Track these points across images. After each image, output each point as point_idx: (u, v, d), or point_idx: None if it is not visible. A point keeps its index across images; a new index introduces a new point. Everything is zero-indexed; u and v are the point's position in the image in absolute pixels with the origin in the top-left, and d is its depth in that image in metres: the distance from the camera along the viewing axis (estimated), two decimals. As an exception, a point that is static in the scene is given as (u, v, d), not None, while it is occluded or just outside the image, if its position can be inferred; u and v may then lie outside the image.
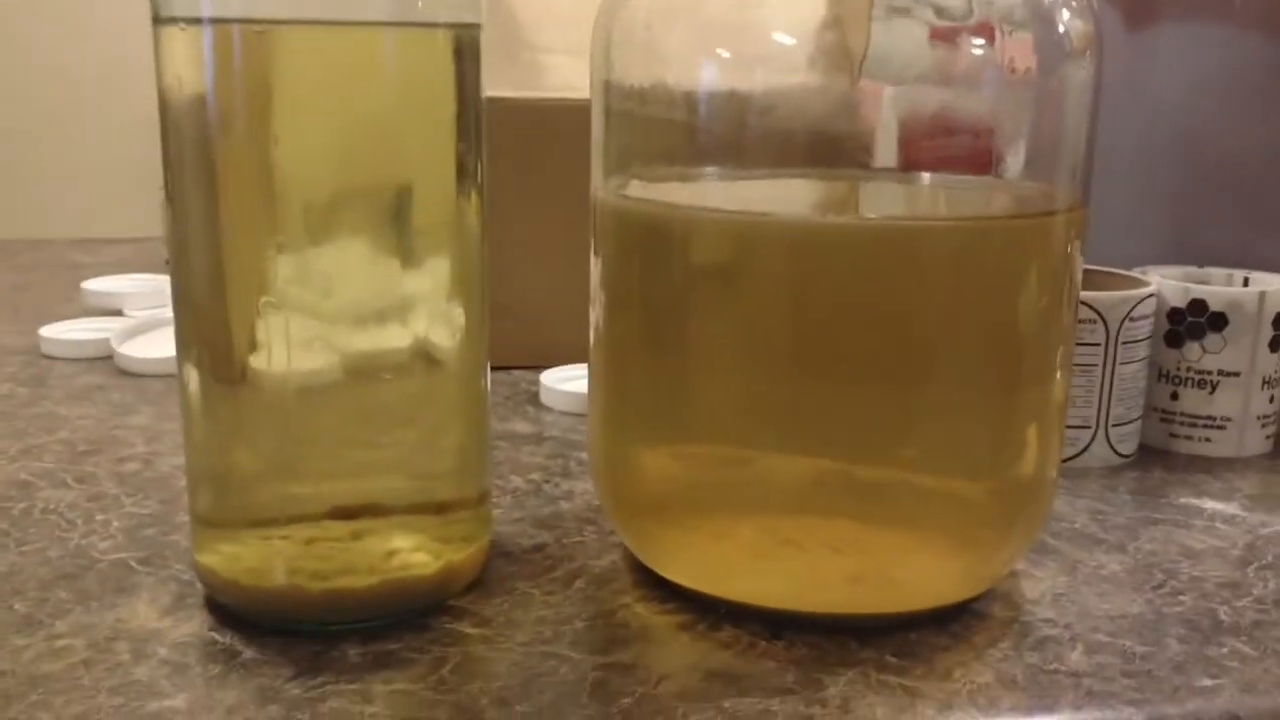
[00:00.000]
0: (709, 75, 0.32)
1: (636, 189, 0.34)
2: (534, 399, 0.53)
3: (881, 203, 0.36)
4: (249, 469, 0.31)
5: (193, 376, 0.31)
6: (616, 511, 0.36)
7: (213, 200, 0.30)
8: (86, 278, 0.72)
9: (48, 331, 0.60)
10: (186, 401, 0.32)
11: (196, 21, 0.28)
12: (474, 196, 0.32)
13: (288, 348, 0.30)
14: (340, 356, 0.30)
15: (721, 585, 0.33)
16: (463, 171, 0.32)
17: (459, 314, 0.32)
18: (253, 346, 0.30)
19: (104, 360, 0.59)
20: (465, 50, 0.31)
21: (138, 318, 0.62)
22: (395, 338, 0.31)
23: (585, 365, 0.56)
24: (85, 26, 0.98)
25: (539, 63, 0.60)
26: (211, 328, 0.31)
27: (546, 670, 0.30)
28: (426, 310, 0.31)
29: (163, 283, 0.71)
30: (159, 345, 0.59)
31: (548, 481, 0.43)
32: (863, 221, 0.35)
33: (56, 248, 0.90)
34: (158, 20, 0.30)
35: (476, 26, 0.31)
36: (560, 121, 0.56)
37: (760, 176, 0.33)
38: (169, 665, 0.30)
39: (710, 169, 0.33)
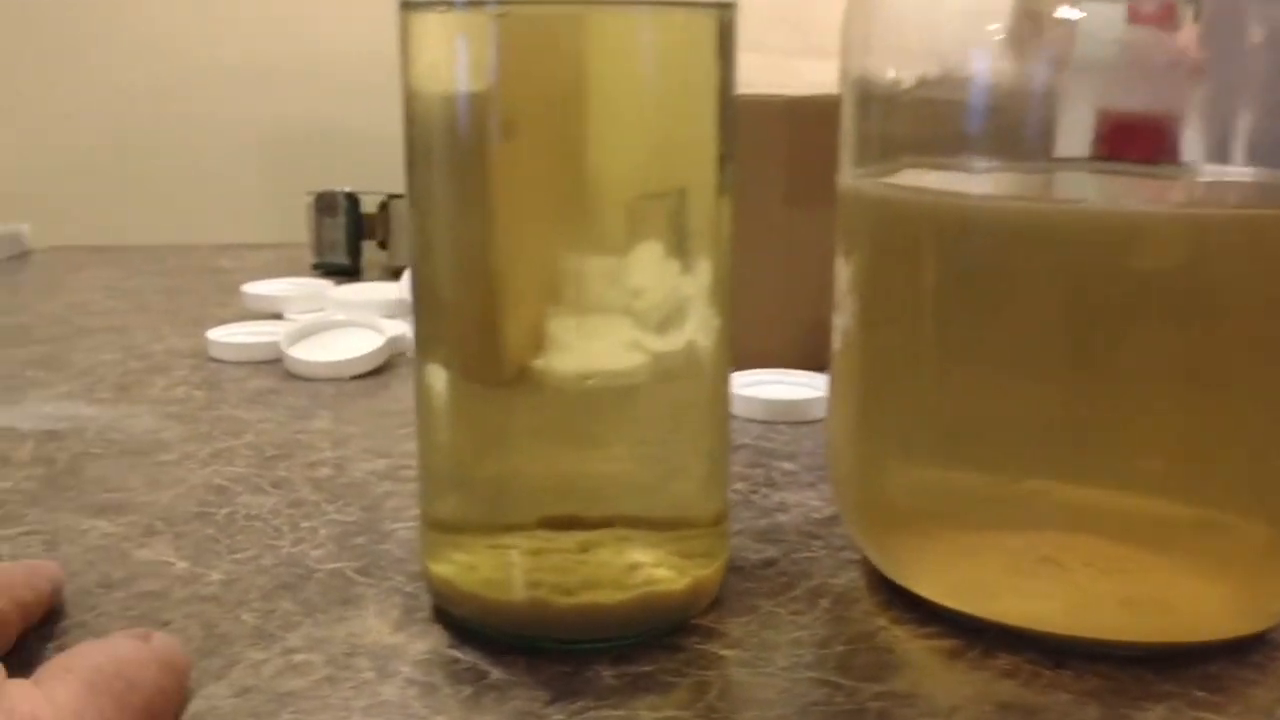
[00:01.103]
0: (983, 61, 0.30)
1: (909, 179, 0.31)
2: (714, 405, 0.52)
3: (1170, 196, 0.33)
4: (501, 473, 0.29)
5: (440, 378, 0.30)
6: (864, 525, 0.33)
7: (487, 197, 0.28)
8: (238, 282, 0.72)
9: (214, 335, 0.60)
10: (430, 403, 0.30)
11: (476, 4, 0.27)
12: (730, 194, 0.30)
13: (580, 350, 0.28)
14: (644, 358, 0.28)
15: (982, 604, 0.31)
16: (723, 166, 0.30)
17: (716, 318, 0.30)
18: (534, 348, 0.28)
19: (271, 364, 0.58)
20: (726, 34, 0.29)
21: (300, 321, 0.61)
22: (673, 342, 0.29)
23: (773, 370, 0.55)
24: (230, 31, 0.99)
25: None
26: (474, 329, 0.29)
27: (820, 698, 0.28)
28: (695, 314, 0.29)
29: (320, 286, 0.70)
30: (326, 348, 0.58)
31: (755, 492, 0.41)
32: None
33: (201, 253, 0.91)
34: (410, 5, 0.28)
35: (734, 7, 0.29)
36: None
37: (1033, 170, 0.31)
38: (416, 685, 0.28)
39: (981, 160, 0.31)
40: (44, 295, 0.77)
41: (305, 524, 0.38)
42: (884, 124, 0.32)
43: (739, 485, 0.42)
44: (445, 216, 0.29)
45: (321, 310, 0.65)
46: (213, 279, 0.81)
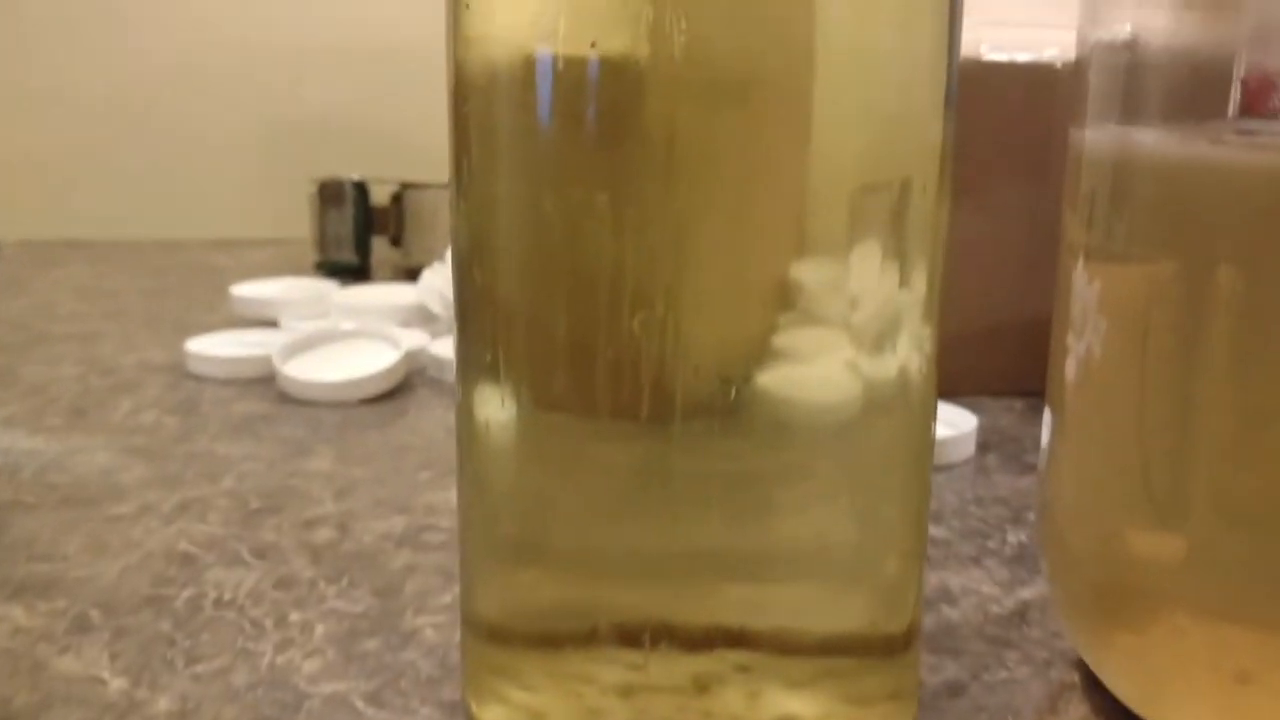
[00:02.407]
0: None
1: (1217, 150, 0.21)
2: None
3: None
4: (591, 554, 0.19)
5: (497, 410, 0.19)
6: (1107, 634, 0.23)
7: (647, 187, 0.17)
8: (232, 282, 0.62)
9: (196, 346, 0.50)
10: (483, 447, 0.20)
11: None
12: (949, 195, 0.20)
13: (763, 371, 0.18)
14: (851, 386, 0.18)
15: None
16: (945, 161, 0.20)
17: (929, 340, 0.20)
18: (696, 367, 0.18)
19: (263, 382, 0.48)
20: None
21: (298, 330, 0.51)
22: (886, 366, 0.18)
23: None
24: (224, 16, 0.88)
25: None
26: (574, 338, 0.19)
27: None
28: (908, 333, 0.19)
29: (324, 288, 0.60)
30: (330, 365, 0.48)
31: (902, 570, 0.31)
32: None
33: (194, 249, 0.80)
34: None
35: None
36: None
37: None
38: None
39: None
40: (3, 296, 0.66)
41: (296, 616, 0.28)
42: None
43: (876, 559, 0.31)
44: (555, 206, 0.18)
45: (325, 317, 0.55)
46: (203, 279, 0.71)
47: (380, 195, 0.70)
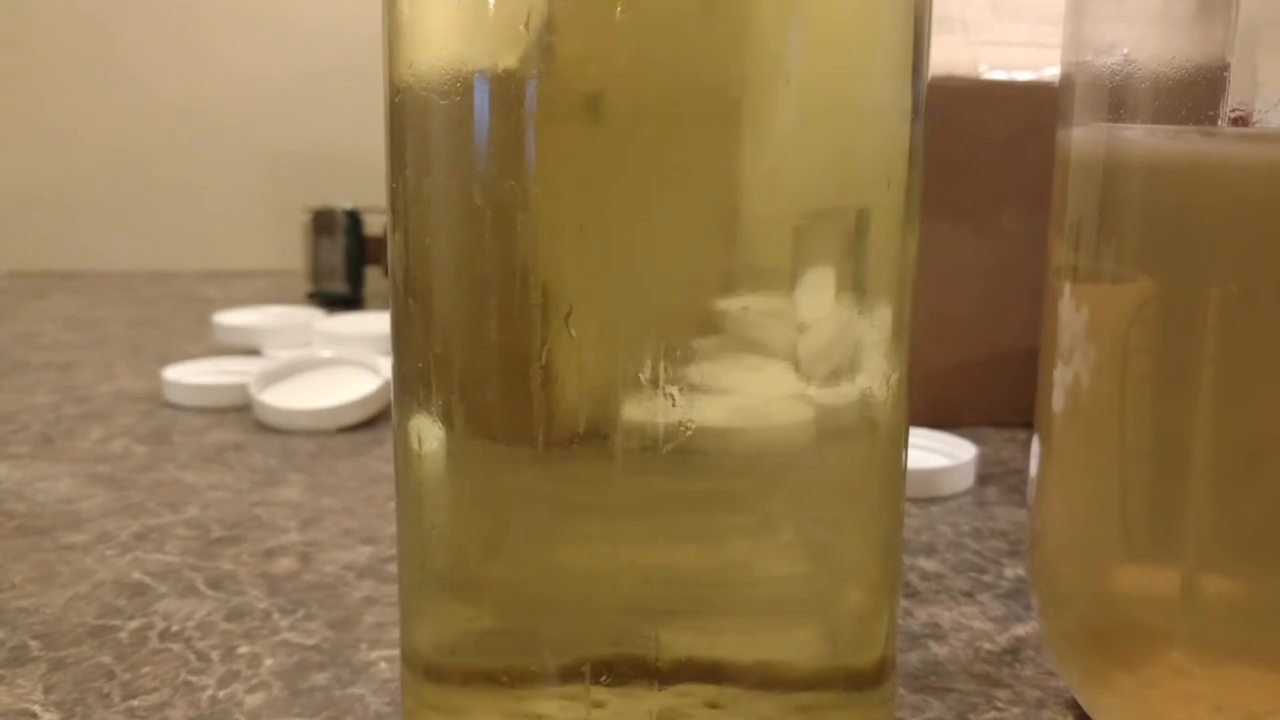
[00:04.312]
0: None
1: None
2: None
3: None
4: (536, 585, 0.17)
5: (429, 437, 0.18)
6: (1101, 671, 0.21)
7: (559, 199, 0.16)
8: (218, 312, 0.61)
9: (173, 374, 0.49)
10: (414, 476, 0.19)
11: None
12: (917, 218, 0.19)
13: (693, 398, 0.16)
14: (801, 411, 0.16)
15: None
16: (912, 188, 0.18)
17: (898, 368, 0.18)
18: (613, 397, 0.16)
19: (240, 411, 0.47)
20: (924, 12, 0.18)
21: (279, 359, 0.50)
22: (842, 395, 0.17)
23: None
24: (215, 48, 0.88)
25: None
26: (510, 366, 0.17)
27: None
28: (870, 361, 0.17)
29: (307, 316, 0.59)
30: (308, 392, 0.46)
31: (890, 604, 0.29)
32: None
33: (185, 280, 0.79)
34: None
35: None
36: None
37: None
38: None
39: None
40: (-9, 326, 0.65)
41: (244, 649, 0.26)
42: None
43: (864, 593, 0.30)
44: (478, 225, 0.17)
45: (309, 346, 0.54)
46: (191, 309, 0.70)
47: (374, 225, 0.69)
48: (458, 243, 0.17)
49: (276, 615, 0.28)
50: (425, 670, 0.19)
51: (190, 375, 0.49)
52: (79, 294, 0.75)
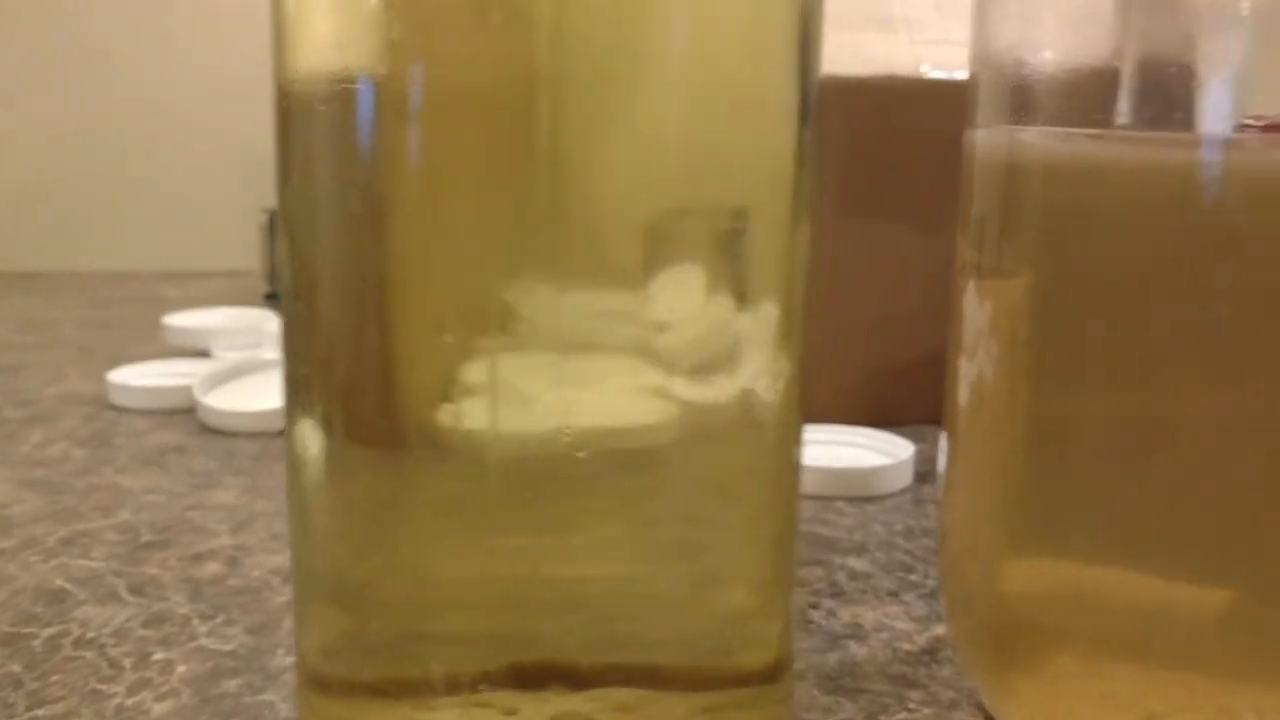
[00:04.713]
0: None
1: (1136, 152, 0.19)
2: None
3: None
4: (413, 590, 0.17)
5: (311, 441, 0.18)
6: (1003, 670, 0.21)
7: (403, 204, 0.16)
8: (171, 313, 0.60)
9: (118, 376, 0.48)
10: (300, 482, 0.19)
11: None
12: (808, 216, 0.19)
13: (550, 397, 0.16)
14: (664, 409, 0.16)
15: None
16: (800, 183, 0.18)
17: (788, 365, 0.18)
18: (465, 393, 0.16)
19: (186, 414, 0.46)
20: (813, 14, 0.18)
21: (227, 360, 0.49)
22: (719, 391, 0.17)
23: (825, 427, 0.42)
24: (172, 49, 0.87)
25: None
26: (372, 371, 0.17)
27: None
28: (753, 359, 0.17)
29: (258, 318, 0.59)
30: (255, 394, 0.46)
31: (815, 606, 0.29)
32: None
33: (142, 281, 0.79)
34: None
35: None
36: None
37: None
38: None
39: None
40: (-57, 328, 0.65)
41: (159, 655, 0.26)
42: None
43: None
44: (352, 228, 0.17)
45: (259, 347, 0.53)
46: (147, 311, 0.69)
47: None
48: (327, 247, 0.17)
49: (196, 621, 0.28)
50: (312, 679, 0.19)
51: (136, 377, 0.48)
52: (35, 295, 0.74)
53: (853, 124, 0.41)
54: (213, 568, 0.31)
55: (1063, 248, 0.19)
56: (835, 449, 0.39)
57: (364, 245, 0.16)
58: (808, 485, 0.37)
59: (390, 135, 0.15)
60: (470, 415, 0.15)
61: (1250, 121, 0.19)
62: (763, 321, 0.17)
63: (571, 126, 0.15)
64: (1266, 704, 0.18)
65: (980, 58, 0.21)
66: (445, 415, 0.16)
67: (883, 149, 0.42)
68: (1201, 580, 0.19)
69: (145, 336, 0.61)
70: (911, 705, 0.24)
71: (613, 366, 0.16)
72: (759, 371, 0.18)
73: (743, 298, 0.17)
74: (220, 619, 0.28)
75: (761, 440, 0.18)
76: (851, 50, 0.42)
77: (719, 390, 0.17)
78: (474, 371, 0.15)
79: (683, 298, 0.16)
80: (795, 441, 0.20)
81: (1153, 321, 0.18)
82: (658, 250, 0.16)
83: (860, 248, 0.41)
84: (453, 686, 0.18)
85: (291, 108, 0.18)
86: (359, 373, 0.17)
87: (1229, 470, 0.18)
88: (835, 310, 0.42)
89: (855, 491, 0.37)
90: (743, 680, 0.19)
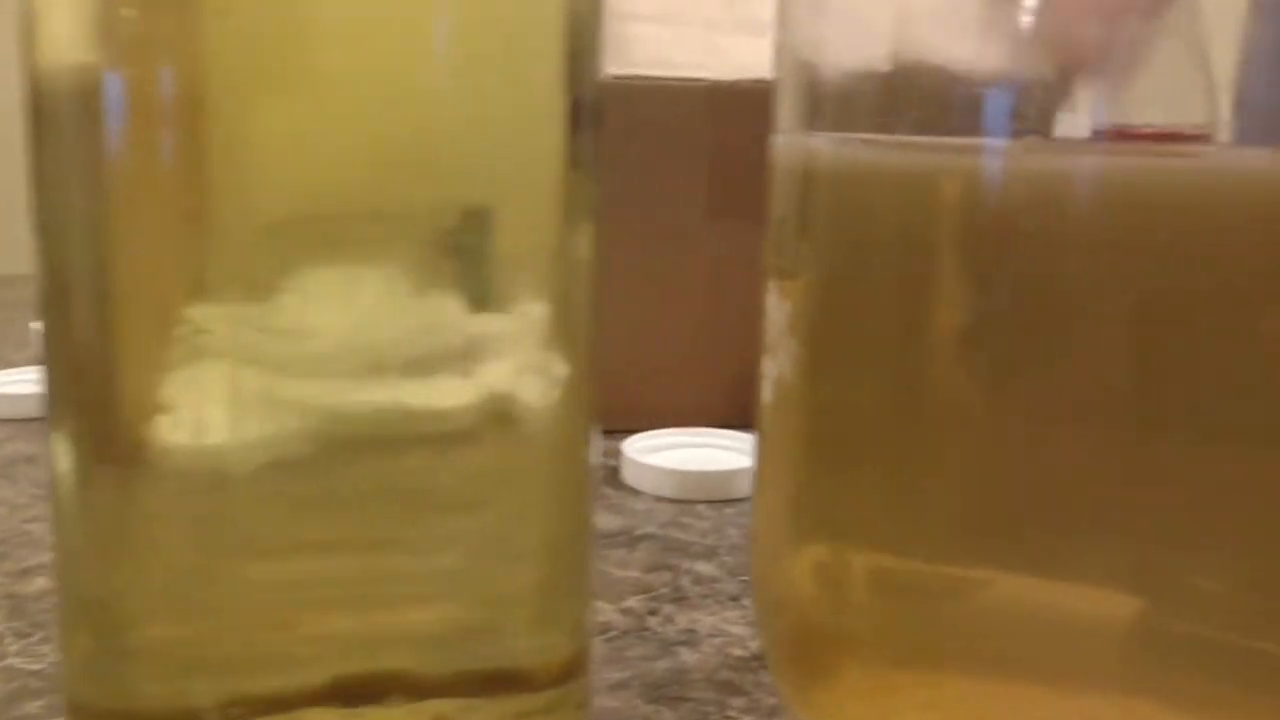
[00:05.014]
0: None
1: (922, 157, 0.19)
2: (613, 477, 0.39)
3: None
4: (154, 608, 0.17)
5: (64, 460, 0.17)
6: (800, 672, 0.21)
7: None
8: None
9: (-22, 384, 0.47)
10: (56, 498, 0.18)
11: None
12: (586, 217, 0.18)
13: (231, 409, 0.15)
14: (317, 419, 0.16)
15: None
16: (573, 184, 0.18)
17: (566, 367, 0.18)
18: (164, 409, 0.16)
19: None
20: (589, 24, 0.17)
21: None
22: (451, 394, 0.16)
23: (689, 430, 0.42)
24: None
25: (621, 34, 0.47)
26: (98, 385, 0.17)
27: None
28: (510, 360, 0.17)
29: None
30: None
31: (653, 612, 0.29)
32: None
33: (27, 284, 0.77)
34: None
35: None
36: (646, 108, 0.42)
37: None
38: None
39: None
40: None
41: (-38, 676, 0.25)
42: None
43: (631, 601, 0.29)
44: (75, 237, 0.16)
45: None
46: (26, 315, 0.67)
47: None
48: (62, 254, 0.16)
49: (9, 639, 0.27)
50: (78, 710, 0.18)
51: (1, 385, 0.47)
52: (-86, 300, 0.72)
53: (721, 127, 0.41)
54: (40, 583, 0.30)
55: (842, 250, 0.19)
56: (701, 451, 0.39)
57: (80, 253, 0.15)
58: (667, 488, 0.36)
59: (85, 138, 0.15)
60: (176, 430, 0.15)
61: (1102, 128, 0.19)
62: (519, 323, 0.17)
63: (228, 129, 0.15)
64: (1046, 707, 0.18)
65: (779, 63, 0.21)
66: (161, 430, 0.15)
67: (752, 152, 0.42)
68: (983, 583, 0.18)
69: (21, 341, 0.59)
70: (732, 713, 0.24)
71: (249, 378, 0.15)
72: (515, 373, 0.17)
73: (482, 299, 0.17)
74: (36, 637, 0.27)
75: (534, 442, 0.18)
76: (721, 54, 0.42)
77: (451, 393, 0.16)
78: (174, 386, 0.14)
79: (339, 301, 0.16)
80: (581, 444, 0.19)
81: (926, 323, 0.18)
82: (310, 254, 0.15)
83: (728, 250, 0.41)
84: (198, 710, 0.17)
85: (41, 112, 0.17)
86: (94, 386, 0.16)
87: (1001, 465, 0.18)
88: (704, 313, 0.42)
89: (716, 494, 0.36)
90: (545, 669, 0.19)
